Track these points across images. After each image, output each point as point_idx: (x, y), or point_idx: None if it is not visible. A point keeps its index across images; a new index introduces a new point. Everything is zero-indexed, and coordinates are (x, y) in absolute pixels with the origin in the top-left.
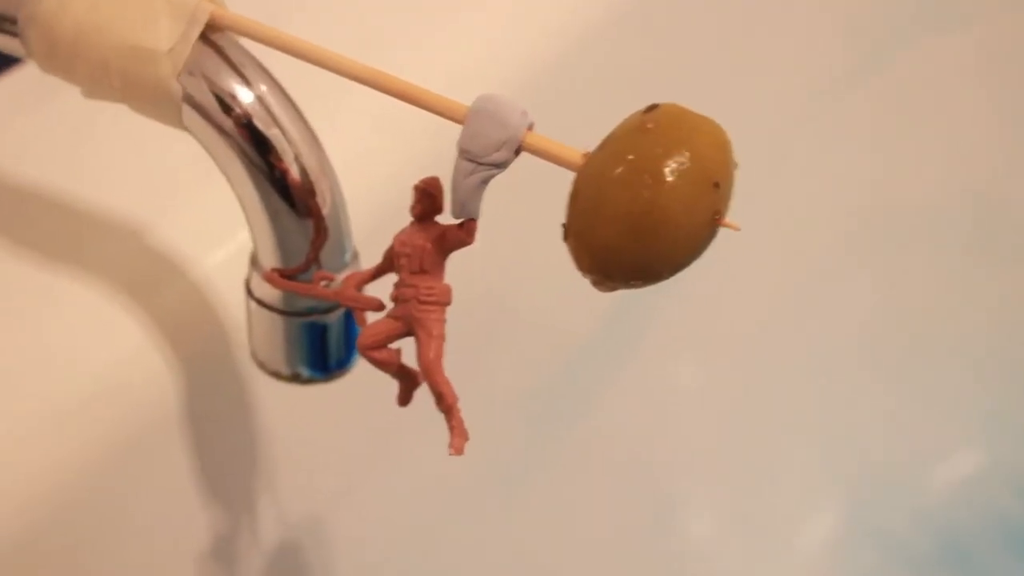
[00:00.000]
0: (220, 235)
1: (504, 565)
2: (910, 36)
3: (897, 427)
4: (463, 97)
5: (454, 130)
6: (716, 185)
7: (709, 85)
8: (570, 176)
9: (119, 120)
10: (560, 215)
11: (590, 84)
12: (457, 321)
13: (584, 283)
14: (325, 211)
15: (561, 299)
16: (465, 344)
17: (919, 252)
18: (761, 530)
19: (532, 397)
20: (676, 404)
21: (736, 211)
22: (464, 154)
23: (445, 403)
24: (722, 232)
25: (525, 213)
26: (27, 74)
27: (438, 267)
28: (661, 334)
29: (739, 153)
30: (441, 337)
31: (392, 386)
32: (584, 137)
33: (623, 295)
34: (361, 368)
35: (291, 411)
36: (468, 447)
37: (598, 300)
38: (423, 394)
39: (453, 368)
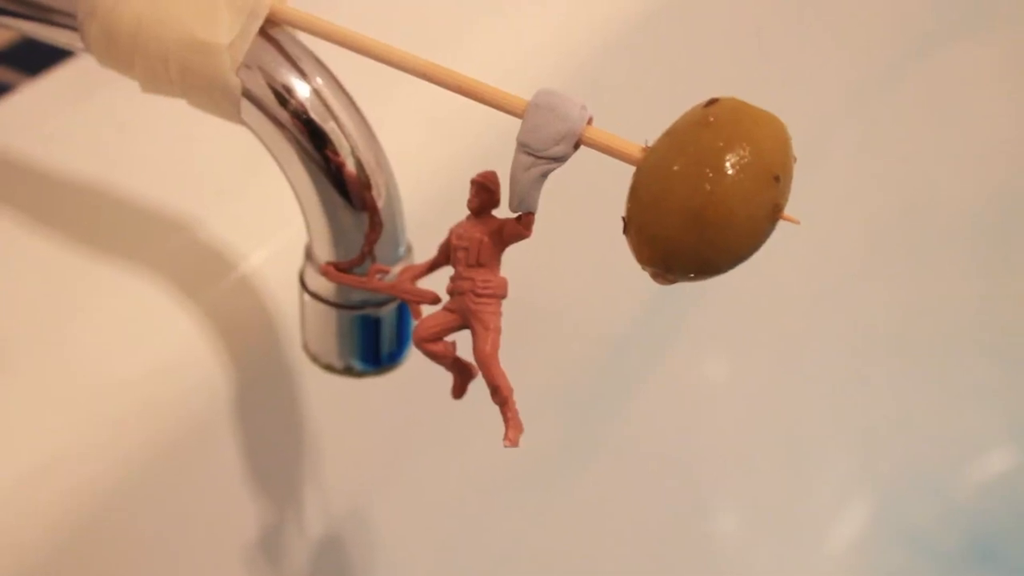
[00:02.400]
0: (269, 229)
1: (540, 557)
2: (939, 39)
3: (927, 425)
4: (514, 91)
5: (508, 124)
6: (776, 179)
7: (736, 87)
8: (601, 172)
9: (169, 114)
10: (599, 212)
11: (635, 81)
12: None
13: (618, 280)
14: (380, 204)
15: (595, 296)
16: (505, 340)
17: (949, 250)
18: (791, 526)
19: (567, 393)
20: (708, 401)
21: None
22: (523, 148)
23: (501, 395)
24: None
25: (563, 210)
26: (79, 67)
27: (495, 260)
28: (694, 332)
29: None
30: (497, 330)
31: (442, 380)
32: (632, 133)
33: (659, 293)
34: (409, 361)
35: (338, 404)
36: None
37: (632, 297)
38: (471, 388)
39: None
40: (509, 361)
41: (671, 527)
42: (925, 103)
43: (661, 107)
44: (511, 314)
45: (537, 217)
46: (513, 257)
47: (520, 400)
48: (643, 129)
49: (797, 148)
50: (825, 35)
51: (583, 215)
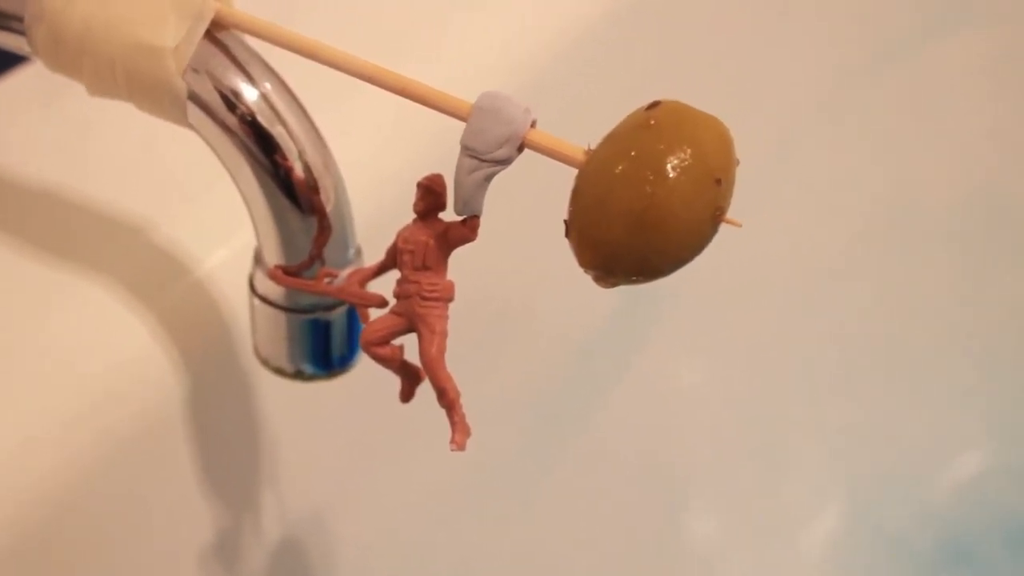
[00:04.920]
0: (223, 233)
1: (508, 565)
2: (917, 36)
3: (901, 427)
4: (465, 95)
5: (458, 128)
6: (718, 181)
7: (715, 83)
8: (572, 174)
9: (123, 119)
10: (562, 213)
11: (592, 81)
12: (460, 321)
13: (587, 282)
14: (329, 208)
15: (565, 299)
16: (468, 344)
17: (926, 252)
18: (766, 529)
19: (536, 398)
20: (681, 404)
21: (743, 209)
22: (467, 151)
23: (447, 399)
24: (728, 231)
25: (528, 212)
26: (32, 73)
27: (441, 263)
28: (666, 335)
29: (745, 152)
30: (444, 333)
31: (394, 383)
32: (586, 135)
33: (629, 295)
34: (363, 365)
35: (294, 409)
36: (475, 447)
37: (602, 300)
38: (426, 392)
39: (456, 369)
40: (475, 366)
41: (644, 532)
42: (907, 100)
43: (614, 110)
44: (480, 319)
45: (507, 221)
46: (482, 261)
47: (488, 404)
48: (594, 133)
49: (771, 147)
50: (797, 33)
51: (554, 218)
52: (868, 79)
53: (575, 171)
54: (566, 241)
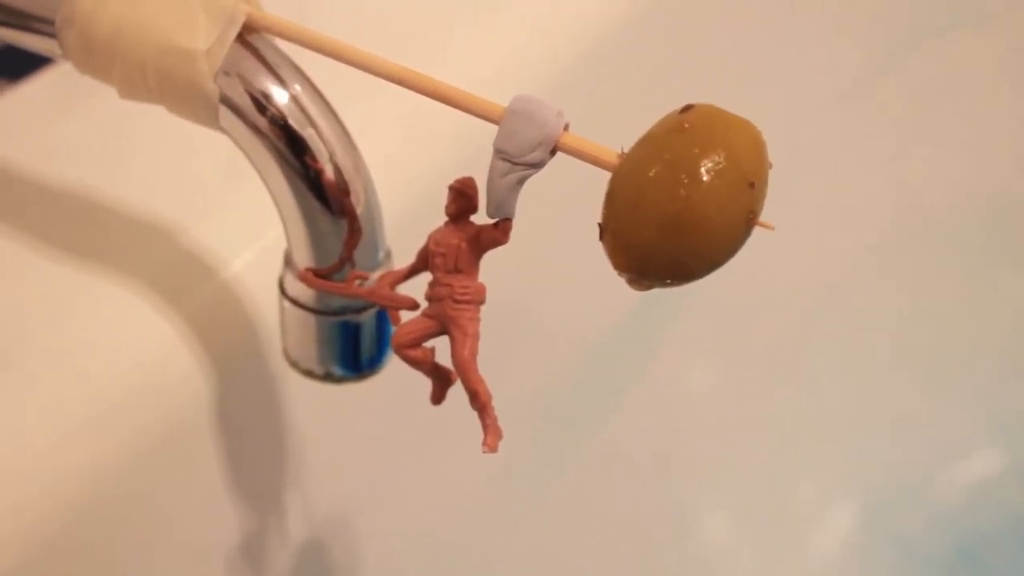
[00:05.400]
0: (251, 235)
1: (525, 566)
2: (929, 37)
3: (915, 429)
4: (493, 98)
5: (487, 130)
6: (751, 185)
7: (731, 88)
8: (587, 179)
9: (151, 122)
10: (582, 219)
11: (613, 87)
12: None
13: (602, 286)
14: (359, 210)
15: (580, 302)
16: (486, 347)
17: (940, 253)
18: (779, 532)
19: (551, 400)
20: (695, 407)
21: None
22: (500, 154)
23: (479, 401)
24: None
25: (541, 215)
26: (61, 75)
27: (473, 266)
28: (681, 338)
29: None
30: (476, 336)
31: (421, 386)
32: (609, 136)
33: (643, 298)
34: (391, 368)
35: (320, 411)
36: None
37: (618, 304)
38: (451, 395)
39: None
40: (492, 368)
41: (657, 533)
42: (915, 103)
43: (641, 113)
44: (495, 321)
45: (522, 224)
46: (498, 263)
47: (503, 407)
48: (623, 136)
49: (786, 150)
50: (810, 35)
51: (568, 222)
52: (880, 81)
53: (587, 174)
54: (580, 244)
